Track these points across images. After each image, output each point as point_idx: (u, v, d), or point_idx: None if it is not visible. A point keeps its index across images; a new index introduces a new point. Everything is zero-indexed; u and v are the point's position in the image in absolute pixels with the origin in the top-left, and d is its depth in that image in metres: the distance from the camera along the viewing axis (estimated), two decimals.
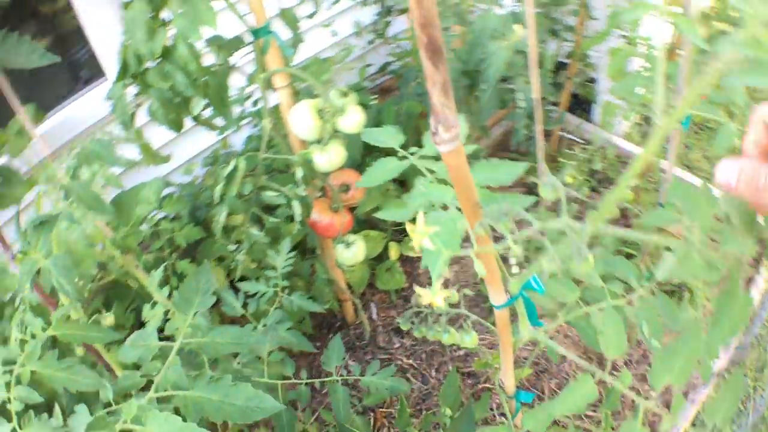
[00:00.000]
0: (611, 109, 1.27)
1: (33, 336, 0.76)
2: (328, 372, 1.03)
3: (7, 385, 0.70)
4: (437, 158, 0.84)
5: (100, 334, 0.87)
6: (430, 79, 0.45)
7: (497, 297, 0.75)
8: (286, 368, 1.02)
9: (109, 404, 0.79)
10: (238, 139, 2.09)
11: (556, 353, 1.16)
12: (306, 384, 1.01)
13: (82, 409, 0.78)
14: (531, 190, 2.06)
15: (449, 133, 0.49)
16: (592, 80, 1.96)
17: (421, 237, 0.51)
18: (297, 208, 1.43)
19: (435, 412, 1.50)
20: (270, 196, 1.44)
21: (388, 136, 0.93)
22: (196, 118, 1.38)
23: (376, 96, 2.03)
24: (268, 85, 1.38)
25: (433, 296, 0.51)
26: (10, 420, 0.69)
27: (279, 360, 1.02)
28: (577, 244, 0.55)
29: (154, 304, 1.33)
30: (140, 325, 1.11)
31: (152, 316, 1.22)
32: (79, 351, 1.01)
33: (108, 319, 1.06)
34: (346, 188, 1.57)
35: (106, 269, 1.35)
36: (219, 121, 1.42)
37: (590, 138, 1.94)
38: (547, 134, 2.01)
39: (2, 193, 1.27)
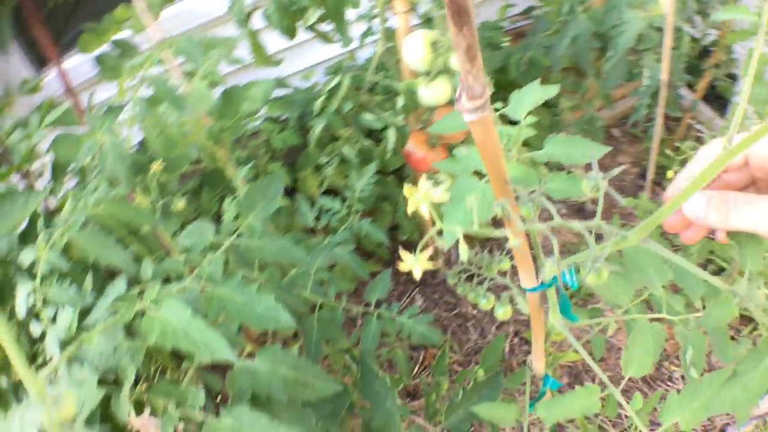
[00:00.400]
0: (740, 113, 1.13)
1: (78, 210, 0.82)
2: (368, 303, 1.04)
3: (41, 247, 0.76)
4: (514, 122, 0.80)
5: (142, 218, 0.91)
6: (454, 41, 0.42)
7: (527, 280, 0.71)
8: (329, 288, 1.04)
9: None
10: (364, 54, 2.08)
11: (602, 349, 1.10)
12: (343, 309, 1.03)
13: (121, 282, 0.84)
14: (635, 192, 1.93)
15: (473, 102, 0.46)
16: (733, 77, 1.76)
17: (417, 204, 0.49)
18: (391, 136, 1.42)
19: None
20: (368, 118, 1.44)
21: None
22: (311, 28, 1.38)
23: (510, 39, 1.94)
24: (388, 7, 1.35)
25: (414, 264, 0.49)
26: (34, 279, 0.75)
27: (324, 279, 1.04)
28: (593, 251, 0.51)
29: (234, 198, 1.40)
30: (219, 218, 1.17)
31: (229, 209, 1.28)
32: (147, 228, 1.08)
33: (179, 204, 1.12)
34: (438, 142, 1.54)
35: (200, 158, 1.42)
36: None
37: (719, 135, 1.75)
38: (676, 120, 1.84)
39: (117, 66, 1.35)
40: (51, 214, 1.08)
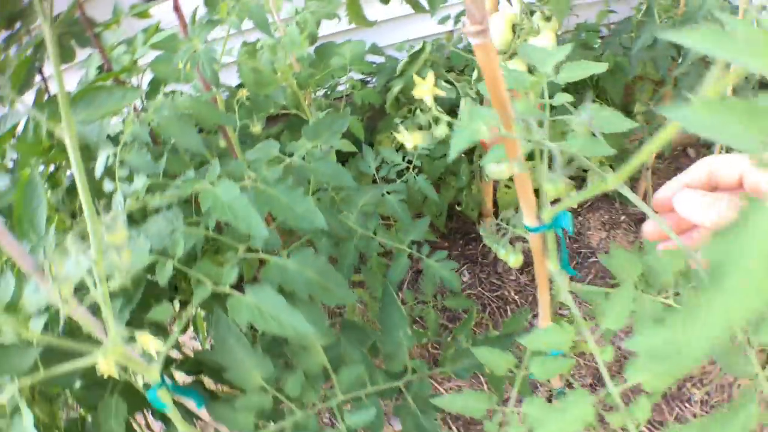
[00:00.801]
0: None
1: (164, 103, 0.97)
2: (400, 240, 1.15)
3: (128, 121, 0.91)
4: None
5: (219, 117, 1.05)
6: None
7: (529, 217, 0.79)
8: (370, 221, 1.15)
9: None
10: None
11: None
12: (377, 242, 1.14)
13: (190, 172, 0.98)
14: None
15: (474, 27, 0.55)
16: None
17: (424, 92, 0.58)
18: (463, 106, 1.51)
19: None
20: (444, 86, 1.53)
21: (544, 57, 0.96)
22: None
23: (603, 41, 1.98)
24: None
25: (409, 139, 0.58)
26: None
27: (369, 212, 1.15)
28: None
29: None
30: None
31: (301, 145, 1.41)
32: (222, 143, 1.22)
33: (257, 127, 1.26)
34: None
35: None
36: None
37: None
38: None
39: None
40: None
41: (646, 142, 0.53)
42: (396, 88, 1.53)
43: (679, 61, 1.31)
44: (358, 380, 1.03)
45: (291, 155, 1.08)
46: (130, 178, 0.93)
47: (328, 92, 1.66)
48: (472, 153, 1.82)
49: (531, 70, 1.43)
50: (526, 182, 0.74)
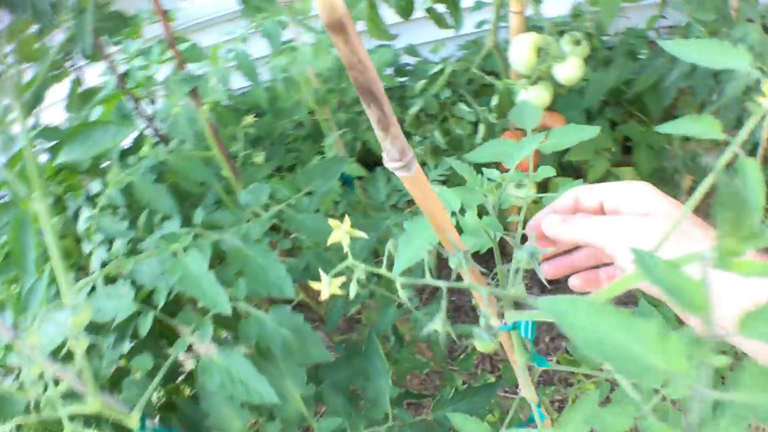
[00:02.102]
0: None
1: (148, 156, 0.93)
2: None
3: (106, 184, 0.88)
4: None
5: (203, 173, 1.01)
6: (367, 113, 0.45)
7: (492, 318, 0.73)
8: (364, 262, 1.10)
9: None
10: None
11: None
12: (368, 289, 1.09)
13: (176, 218, 0.95)
14: None
15: (392, 164, 0.48)
16: None
17: (337, 237, 0.52)
18: (481, 131, 1.42)
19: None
20: (463, 109, 1.44)
21: (527, 117, 0.87)
22: (428, 11, 1.40)
23: (652, 51, 1.81)
24: (502, 4, 1.33)
25: (325, 287, 0.53)
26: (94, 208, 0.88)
27: (364, 256, 1.10)
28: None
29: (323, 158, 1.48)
30: None
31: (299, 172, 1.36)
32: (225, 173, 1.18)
33: (258, 158, 1.21)
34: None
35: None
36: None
37: None
38: None
39: (260, 7, 1.44)
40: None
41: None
42: (415, 108, 1.45)
43: (713, 97, 1.18)
44: (338, 429, 1.01)
45: (280, 201, 1.04)
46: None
47: (351, 104, 1.59)
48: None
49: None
50: (480, 280, 0.67)
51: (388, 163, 0.48)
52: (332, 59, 1.44)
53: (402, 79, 1.74)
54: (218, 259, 0.98)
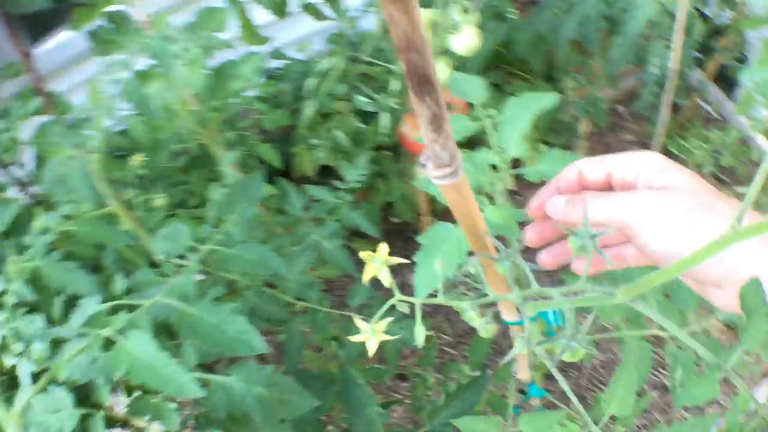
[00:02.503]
0: (750, 101, 1.03)
1: (45, 231, 0.74)
2: (351, 309, 0.97)
3: (8, 279, 0.69)
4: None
5: (113, 235, 0.83)
6: (417, 110, 0.33)
7: (508, 314, 0.64)
8: (310, 292, 0.96)
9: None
10: (367, 24, 1.94)
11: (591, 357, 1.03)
12: (325, 312, 0.96)
13: (88, 302, 0.77)
14: None
15: (441, 171, 0.37)
16: (743, 60, 1.62)
17: (376, 270, 0.41)
18: (384, 119, 1.32)
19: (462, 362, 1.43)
20: (362, 101, 1.33)
21: (471, 89, 0.78)
22: (305, 6, 1.28)
23: (519, 9, 1.79)
24: None
25: (370, 338, 0.41)
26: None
27: (306, 283, 0.97)
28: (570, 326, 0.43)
29: (222, 185, 1.31)
30: None
31: (214, 200, 1.19)
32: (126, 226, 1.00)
33: (158, 200, 1.04)
34: (449, 107, 1.43)
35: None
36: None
37: (728, 117, 1.63)
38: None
39: (112, 40, 1.24)
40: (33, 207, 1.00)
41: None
42: (309, 109, 1.32)
43: (616, 38, 1.16)
44: None
45: (202, 240, 0.88)
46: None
47: (233, 120, 1.43)
48: (397, 153, 1.64)
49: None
50: (501, 282, 0.58)
51: (435, 171, 0.37)
52: (206, 76, 1.28)
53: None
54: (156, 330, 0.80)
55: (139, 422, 0.74)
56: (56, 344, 0.71)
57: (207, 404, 0.78)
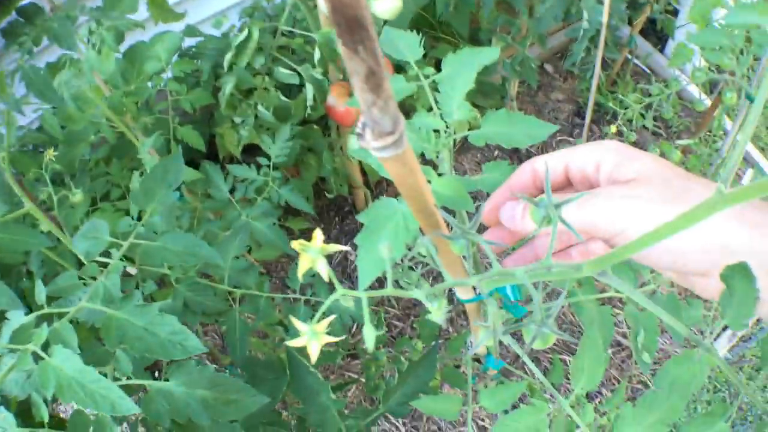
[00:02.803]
0: (684, 54, 1.01)
1: None
2: (293, 290, 0.90)
3: None
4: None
5: (30, 239, 0.74)
6: (348, 66, 0.26)
7: (463, 292, 0.59)
8: (248, 278, 0.89)
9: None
10: None
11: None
12: (267, 297, 0.89)
13: (15, 315, 0.67)
14: (571, 130, 1.80)
15: (382, 140, 0.31)
16: (675, 12, 1.62)
17: (312, 261, 0.35)
18: (309, 91, 1.24)
19: (412, 336, 1.39)
20: (283, 73, 1.25)
21: (406, 46, 0.72)
22: None
23: None
24: None
25: (311, 341, 0.35)
26: None
27: (243, 269, 0.89)
28: (537, 311, 0.38)
29: (142, 173, 1.21)
30: None
31: (134, 190, 1.10)
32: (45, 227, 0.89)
33: (76, 197, 0.93)
34: None
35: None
36: None
37: (658, 71, 1.64)
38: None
39: (22, 32, 1.11)
40: None
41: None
42: (228, 86, 1.23)
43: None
44: None
45: (124, 235, 0.79)
46: None
47: (150, 103, 1.32)
48: (326, 126, 1.57)
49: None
50: (456, 264, 0.53)
51: (375, 142, 0.31)
52: (116, 61, 1.16)
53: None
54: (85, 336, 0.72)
55: None
56: None
57: (148, 412, 0.70)
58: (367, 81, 0.27)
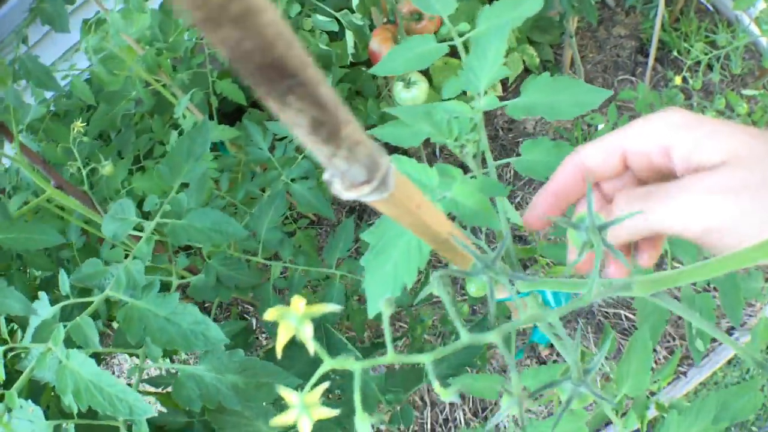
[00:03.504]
0: None
1: None
2: (328, 264, 0.83)
3: None
4: None
5: (44, 237, 0.69)
6: (280, 117, 0.18)
7: (497, 290, 0.51)
8: (283, 251, 0.83)
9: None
10: None
11: None
12: (302, 270, 0.83)
13: (45, 302, 0.64)
14: (634, 69, 1.60)
15: (355, 191, 0.22)
16: None
17: (293, 331, 0.27)
18: (350, 38, 1.14)
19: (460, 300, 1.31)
20: (321, 20, 1.14)
21: None
22: None
23: None
24: None
25: (301, 416, 0.28)
26: None
27: (278, 239, 0.83)
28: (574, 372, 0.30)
29: (180, 132, 1.15)
30: None
31: (157, 167, 1.05)
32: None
33: (107, 168, 0.88)
34: (418, 16, 1.23)
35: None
36: None
37: (722, 10, 1.42)
38: None
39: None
40: None
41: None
42: None
43: None
44: None
45: (148, 215, 0.74)
46: None
47: (190, 57, 1.24)
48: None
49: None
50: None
51: (347, 193, 0.22)
52: (149, 16, 1.09)
53: None
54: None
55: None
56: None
57: (179, 398, 0.67)
58: (316, 132, 0.18)
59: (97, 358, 0.81)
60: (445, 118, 0.38)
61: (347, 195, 0.22)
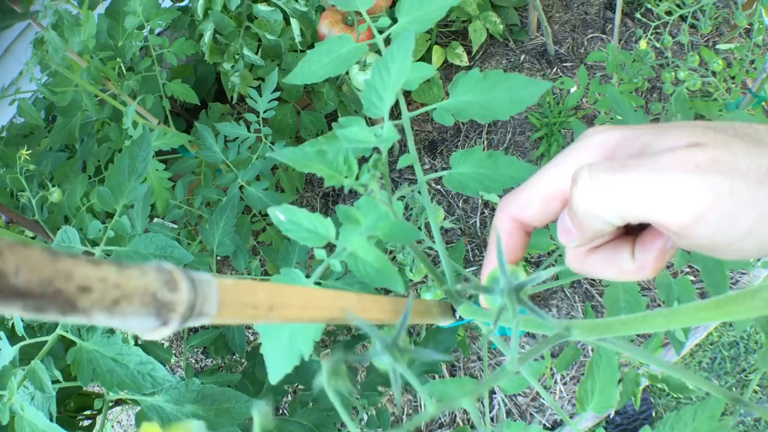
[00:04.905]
0: None
1: None
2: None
3: None
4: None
5: None
6: None
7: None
8: (238, 263, 0.79)
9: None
10: None
11: None
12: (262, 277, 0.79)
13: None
14: (603, 26, 1.52)
15: (157, 333, 0.18)
16: None
17: None
18: (295, 26, 1.07)
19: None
20: (263, 10, 1.07)
21: None
22: None
23: None
24: None
25: None
26: None
27: (231, 250, 0.78)
28: None
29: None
30: None
31: (97, 191, 0.99)
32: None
33: (54, 195, 0.83)
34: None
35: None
36: None
37: None
38: None
39: None
40: None
41: None
42: (208, 33, 1.06)
43: None
44: None
45: (95, 243, 0.69)
46: None
47: (136, 61, 1.17)
48: None
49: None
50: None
51: (153, 334, 0.18)
52: (93, 24, 1.01)
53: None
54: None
55: None
56: None
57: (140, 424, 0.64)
58: (43, 313, 0.13)
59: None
60: (341, 155, 0.32)
61: (153, 336, 0.18)
